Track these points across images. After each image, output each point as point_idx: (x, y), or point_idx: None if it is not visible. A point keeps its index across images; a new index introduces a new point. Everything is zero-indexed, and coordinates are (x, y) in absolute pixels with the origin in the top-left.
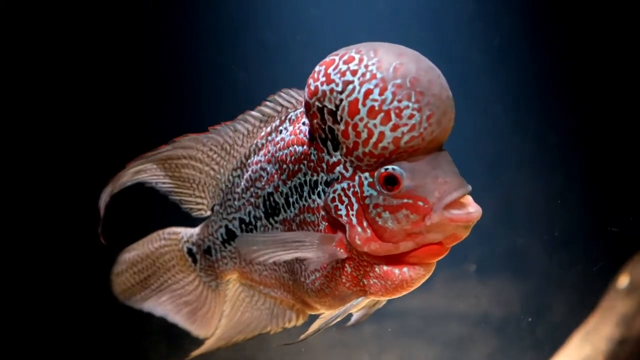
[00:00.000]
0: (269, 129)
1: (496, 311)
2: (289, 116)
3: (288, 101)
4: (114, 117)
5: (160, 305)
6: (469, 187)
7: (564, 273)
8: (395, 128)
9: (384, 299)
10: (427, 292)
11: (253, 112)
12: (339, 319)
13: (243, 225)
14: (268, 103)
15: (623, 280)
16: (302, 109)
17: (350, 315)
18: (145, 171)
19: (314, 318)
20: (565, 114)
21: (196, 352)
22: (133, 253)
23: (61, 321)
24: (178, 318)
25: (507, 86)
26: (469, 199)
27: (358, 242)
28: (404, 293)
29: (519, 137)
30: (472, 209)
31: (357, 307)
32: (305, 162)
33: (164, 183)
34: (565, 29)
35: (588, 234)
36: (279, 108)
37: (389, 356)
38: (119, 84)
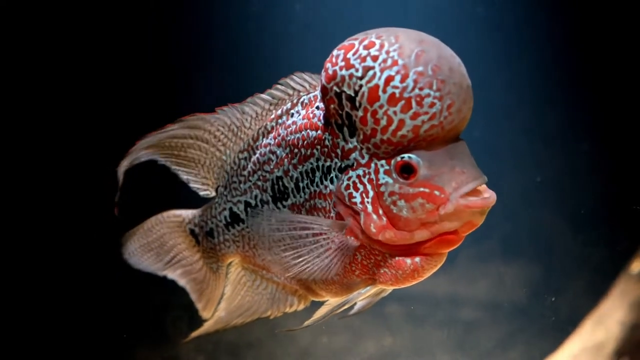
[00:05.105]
0: (279, 111)
1: (519, 291)
2: (302, 99)
3: (300, 84)
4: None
5: (173, 277)
6: (485, 178)
7: (588, 252)
8: (415, 116)
9: (391, 288)
10: (449, 273)
11: (263, 95)
12: (345, 307)
13: (249, 209)
14: (279, 86)
15: (636, 266)
16: (315, 93)
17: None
18: (154, 148)
19: (315, 302)
20: (592, 93)
21: (195, 334)
22: (139, 232)
23: (88, 296)
24: (190, 293)
25: (534, 65)
26: (483, 187)
27: (373, 230)
28: (414, 283)
29: (544, 116)
30: (487, 194)
31: (364, 296)
32: (319, 147)
33: (172, 161)
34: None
35: (614, 213)
36: (290, 91)
37: (397, 340)
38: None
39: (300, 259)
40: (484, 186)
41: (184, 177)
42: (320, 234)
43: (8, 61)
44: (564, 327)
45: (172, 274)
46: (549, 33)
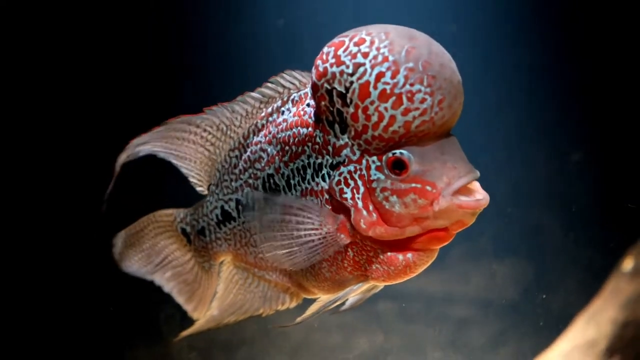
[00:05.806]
0: (269, 109)
1: (510, 289)
2: (292, 97)
3: (290, 82)
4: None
5: (164, 282)
6: (477, 173)
7: (580, 250)
8: (406, 112)
9: (383, 284)
10: (441, 271)
11: (253, 94)
12: (337, 304)
13: (240, 207)
14: (269, 84)
15: (628, 264)
16: (306, 90)
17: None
18: (150, 143)
19: (308, 300)
20: (584, 90)
21: (186, 333)
22: (130, 233)
23: (80, 294)
24: (179, 297)
25: (526, 62)
26: (476, 185)
27: (363, 225)
28: (406, 279)
29: (536, 112)
30: (480, 195)
31: (356, 292)
32: (310, 144)
33: (172, 154)
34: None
35: (605, 211)
36: (281, 89)
37: (389, 338)
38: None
39: (289, 241)
40: (478, 186)
41: (184, 171)
42: (315, 217)
43: (8, 61)
44: (556, 324)
45: (162, 277)
46: (548, 33)
